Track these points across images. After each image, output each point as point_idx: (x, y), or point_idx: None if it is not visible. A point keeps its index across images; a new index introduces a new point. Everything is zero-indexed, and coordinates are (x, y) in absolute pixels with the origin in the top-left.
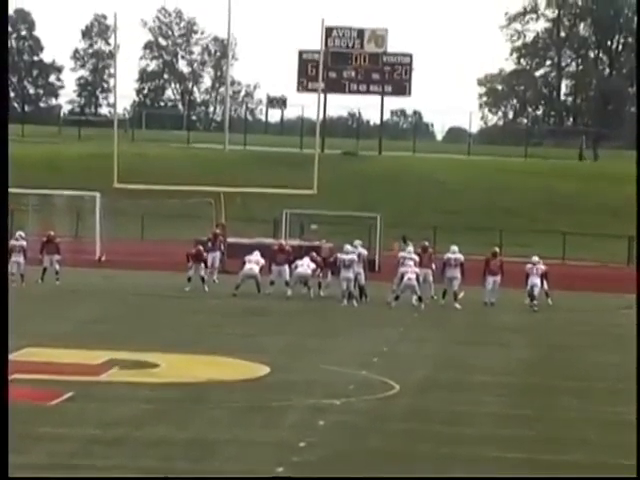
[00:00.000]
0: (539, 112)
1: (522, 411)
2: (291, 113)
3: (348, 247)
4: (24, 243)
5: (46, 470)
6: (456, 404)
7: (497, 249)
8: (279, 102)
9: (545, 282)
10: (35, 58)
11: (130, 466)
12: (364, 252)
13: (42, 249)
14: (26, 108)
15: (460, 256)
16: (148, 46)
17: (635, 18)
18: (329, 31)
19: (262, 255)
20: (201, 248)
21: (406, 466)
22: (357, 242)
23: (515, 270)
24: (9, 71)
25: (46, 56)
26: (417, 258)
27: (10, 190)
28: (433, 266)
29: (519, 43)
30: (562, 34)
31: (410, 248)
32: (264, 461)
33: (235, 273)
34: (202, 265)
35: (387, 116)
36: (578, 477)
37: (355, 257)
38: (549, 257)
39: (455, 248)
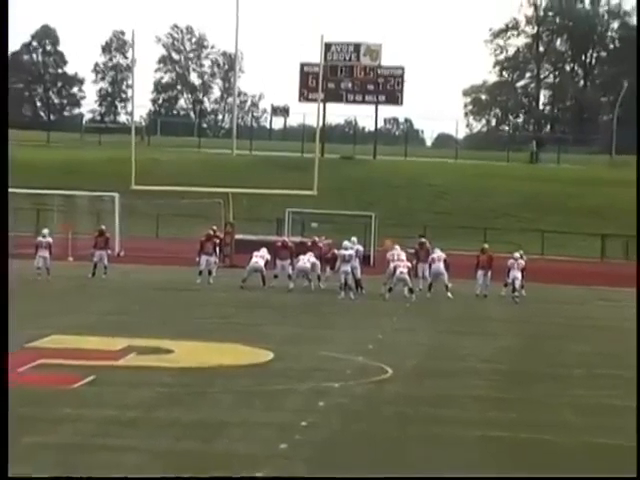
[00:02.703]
0: (520, 120)
1: (506, 395)
2: (293, 121)
3: (346, 243)
4: (50, 240)
5: (67, 450)
6: (445, 388)
7: (486, 245)
8: (282, 111)
9: (521, 276)
10: (59, 71)
11: (143, 447)
12: (360, 248)
13: (95, 244)
14: (51, 117)
15: (443, 254)
16: (162, 60)
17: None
18: (328, 46)
19: (268, 251)
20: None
21: (398, 445)
22: (354, 239)
23: (499, 265)
24: (36, 82)
25: (69, 69)
26: (404, 254)
27: (36, 191)
28: (429, 258)
29: (501, 57)
30: (541, 49)
31: (397, 247)
32: (269, 440)
33: (243, 267)
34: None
35: (381, 123)
36: (577, 477)
37: (353, 252)
38: (529, 253)
39: (437, 250)
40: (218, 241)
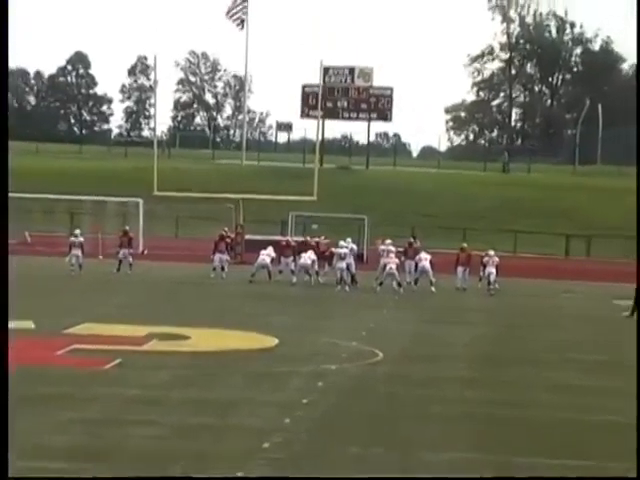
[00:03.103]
0: (494, 134)
1: (484, 376)
2: (296, 135)
3: (342, 243)
4: (82, 239)
5: (98, 423)
6: (429, 370)
7: (465, 244)
8: (286, 126)
9: (495, 271)
10: (91, 91)
11: (164, 421)
12: (354, 247)
13: (120, 243)
14: (83, 131)
15: (428, 255)
16: (181, 82)
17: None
18: (326, 69)
19: (273, 249)
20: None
21: (388, 419)
22: (348, 239)
23: (477, 262)
24: (70, 102)
25: (99, 90)
26: (394, 250)
27: (69, 197)
28: (417, 257)
29: (478, 79)
30: (513, 72)
31: (388, 241)
32: (274, 416)
33: (251, 264)
34: (225, 255)
35: (373, 137)
36: (577, 477)
37: (347, 251)
38: (503, 251)
39: (423, 254)
40: (229, 241)
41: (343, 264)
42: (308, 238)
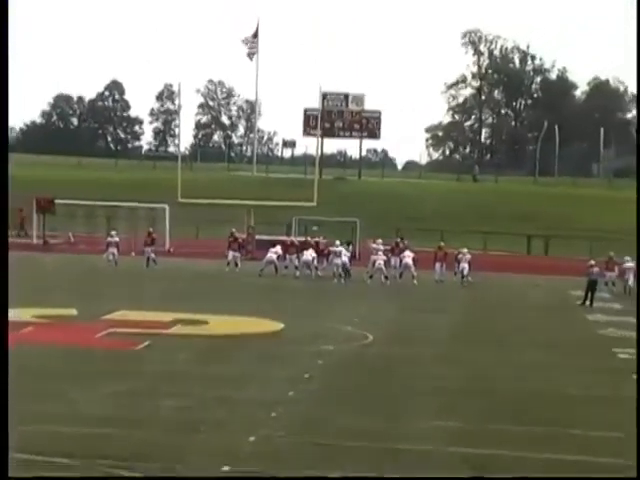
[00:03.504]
0: (467, 150)
1: (458, 355)
2: (299, 151)
3: (337, 242)
4: (117, 239)
5: (130, 396)
6: (411, 350)
7: (442, 244)
8: (290, 143)
9: (468, 266)
10: (124, 114)
11: (186, 393)
12: (351, 248)
13: (145, 243)
14: (118, 148)
15: (411, 253)
16: (201, 106)
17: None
18: (324, 95)
19: (279, 247)
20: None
21: (376, 390)
22: (337, 242)
23: (453, 259)
24: (107, 123)
25: (132, 112)
26: (382, 248)
27: (106, 203)
28: (401, 255)
29: (454, 103)
30: (483, 97)
31: (379, 240)
32: (281, 389)
33: (261, 260)
34: (237, 253)
35: (364, 153)
36: (577, 477)
37: (342, 249)
38: (474, 249)
39: (407, 252)
40: (241, 240)
41: (339, 260)
42: (309, 238)
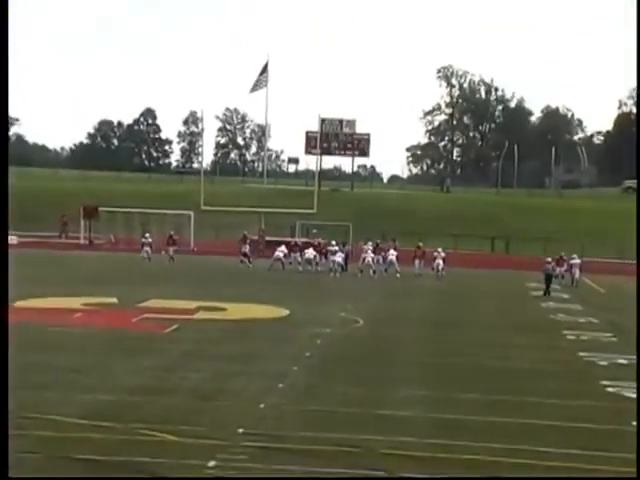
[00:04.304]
0: (441, 166)
1: (434, 335)
2: (301, 167)
3: (333, 242)
4: (150, 240)
5: (161, 370)
6: (395, 331)
7: (421, 244)
8: (294, 160)
9: (443, 263)
10: (156, 136)
11: (207, 368)
12: (349, 247)
13: (167, 243)
14: (151, 164)
15: (395, 252)
16: (220, 129)
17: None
18: (323, 120)
19: (285, 247)
20: (246, 250)
21: (367, 363)
22: (333, 242)
23: (430, 256)
24: (142, 143)
25: (163, 135)
26: (371, 248)
27: (141, 210)
28: (383, 254)
29: (430, 127)
30: (454, 122)
31: (370, 243)
32: (286, 364)
33: (270, 257)
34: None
35: (355, 168)
36: (577, 477)
37: (337, 248)
38: (447, 248)
39: (392, 251)
40: (249, 241)
41: (335, 257)
42: (313, 239)
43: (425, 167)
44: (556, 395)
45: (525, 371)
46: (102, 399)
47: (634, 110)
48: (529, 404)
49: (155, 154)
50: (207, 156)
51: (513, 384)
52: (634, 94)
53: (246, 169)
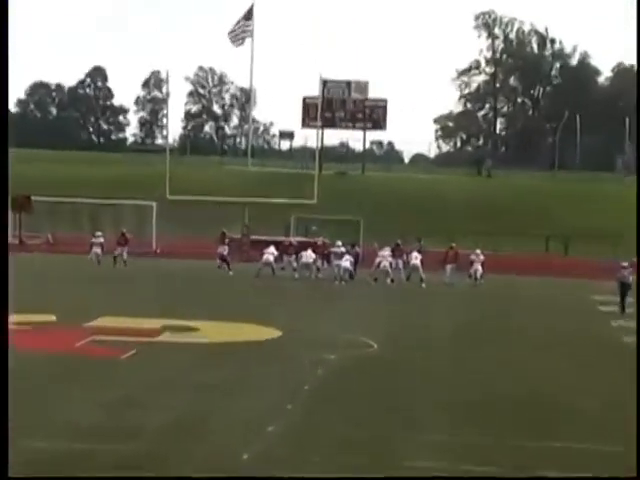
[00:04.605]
0: (479, 142)
1: (470, 365)
2: (297, 143)
3: (339, 243)
4: (102, 240)
5: (116, 406)
6: (417, 359)
7: (453, 244)
8: (288, 135)
9: (481, 268)
10: (108, 103)
11: (175, 406)
12: (358, 249)
13: (118, 242)
14: (101, 140)
15: (419, 254)
16: (191, 94)
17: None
18: (325, 83)
19: (276, 248)
20: (224, 253)
21: (381, 404)
22: (338, 242)
23: (465, 260)
24: (89, 113)
25: (116, 101)
26: (389, 252)
27: (90, 200)
28: (404, 257)
29: (466, 91)
30: (497, 85)
31: (387, 247)
32: (278, 400)
33: (257, 261)
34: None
35: (368, 145)
36: (578, 477)
37: (344, 250)
38: (487, 250)
39: (415, 253)
40: (228, 240)
41: (341, 262)
42: (314, 240)
43: (459, 143)
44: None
45: (590, 419)
46: (39, 447)
47: None
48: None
49: (106, 126)
50: (174, 129)
51: (565, 431)
52: None
53: (225, 146)
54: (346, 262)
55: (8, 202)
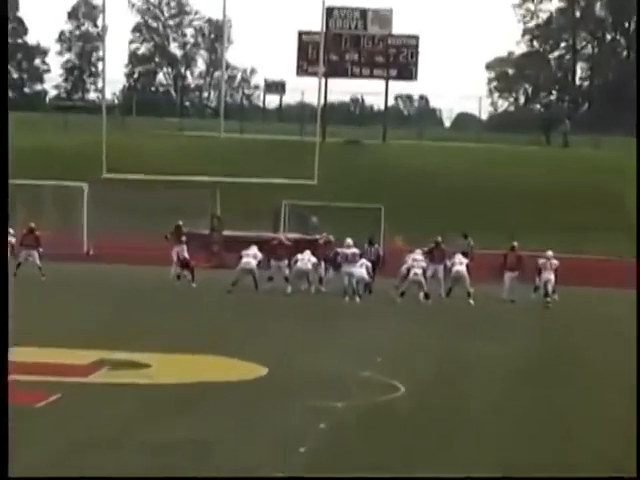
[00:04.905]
0: (552, 97)
1: (535, 418)
2: (290, 98)
3: (349, 241)
4: (12, 240)
5: (27, 471)
6: (462, 409)
7: (515, 243)
8: (277, 87)
9: (554, 278)
10: (19, 41)
11: (108, 473)
12: (378, 248)
13: (21, 242)
14: (10, 94)
15: (465, 259)
16: (137, 28)
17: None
18: (330, 11)
19: (260, 249)
20: (187, 256)
21: (411, 469)
22: (349, 240)
23: (529, 265)
24: None
25: (30, 38)
26: (421, 254)
27: None
28: (447, 262)
29: (532, 24)
30: (577, 14)
31: (419, 250)
32: (263, 469)
33: (232, 268)
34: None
35: (392, 102)
36: (578, 477)
37: (357, 251)
38: (563, 252)
39: (459, 256)
40: (184, 238)
41: (353, 269)
42: (315, 237)
43: (522, 99)
44: None
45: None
46: None
47: None
48: None
49: (17, 75)
50: (114, 79)
51: None
52: None
53: (187, 103)
54: (361, 268)
55: (7, 202)
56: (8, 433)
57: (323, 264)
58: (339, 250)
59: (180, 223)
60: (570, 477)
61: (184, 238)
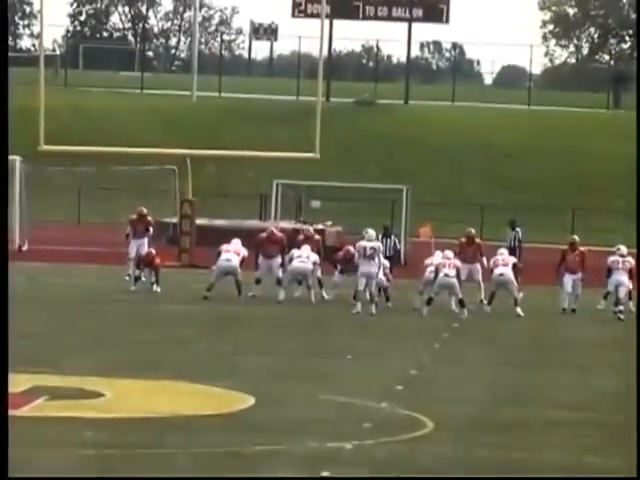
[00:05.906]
0: (625, 45)
1: (606, 461)
2: (284, 47)
3: (370, 232)
4: None
5: None
6: (510, 449)
7: (576, 237)
8: (267, 32)
9: (629, 281)
10: None
11: None
12: (396, 241)
13: None
14: None
15: (511, 257)
16: None
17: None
18: None
19: (244, 244)
20: (153, 251)
21: None
22: (371, 232)
23: (594, 264)
24: None
25: None
26: (452, 255)
27: None
28: (484, 260)
29: None
30: None
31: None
32: None
33: (207, 268)
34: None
35: (416, 51)
36: (578, 477)
37: (380, 245)
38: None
39: (503, 253)
40: (150, 230)
41: (371, 267)
42: (305, 225)
43: (587, 48)
44: None
45: None
46: None
47: None
48: None
49: None
50: (54, 22)
51: None
52: None
53: (149, 53)
54: (375, 267)
55: (7, 202)
56: (8, 433)
57: (326, 263)
58: (350, 247)
59: (144, 211)
60: (570, 477)
61: (150, 229)
